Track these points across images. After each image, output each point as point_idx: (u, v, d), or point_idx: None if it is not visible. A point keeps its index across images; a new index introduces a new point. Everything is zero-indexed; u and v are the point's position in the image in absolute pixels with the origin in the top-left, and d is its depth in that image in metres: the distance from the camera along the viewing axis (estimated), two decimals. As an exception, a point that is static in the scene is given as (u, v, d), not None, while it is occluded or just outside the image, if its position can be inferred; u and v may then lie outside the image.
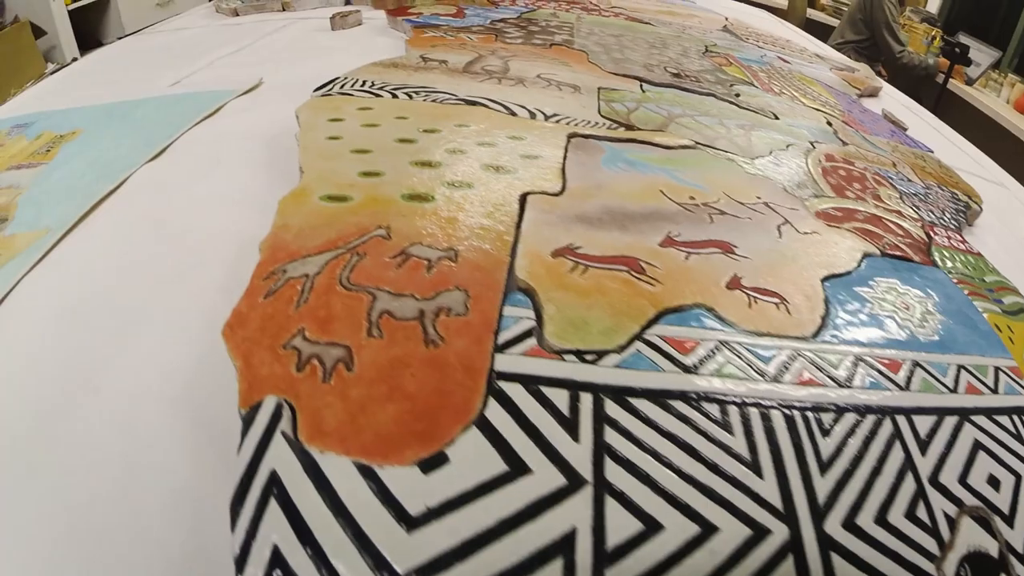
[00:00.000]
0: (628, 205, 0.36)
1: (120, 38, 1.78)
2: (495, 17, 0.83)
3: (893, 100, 0.95)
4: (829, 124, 0.62)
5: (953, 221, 0.47)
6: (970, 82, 2.32)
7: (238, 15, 1.07)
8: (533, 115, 0.46)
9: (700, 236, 0.34)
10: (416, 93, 0.48)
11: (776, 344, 0.28)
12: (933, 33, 2.57)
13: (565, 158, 0.39)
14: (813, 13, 3.08)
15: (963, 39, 2.38)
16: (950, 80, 2.32)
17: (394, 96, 0.48)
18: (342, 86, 0.51)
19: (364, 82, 0.51)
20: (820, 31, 2.27)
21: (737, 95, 0.64)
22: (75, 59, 1.73)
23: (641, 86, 0.59)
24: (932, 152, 0.65)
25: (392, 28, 0.86)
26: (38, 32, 1.70)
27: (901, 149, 0.61)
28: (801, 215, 0.39)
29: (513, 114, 0.45)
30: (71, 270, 0.39)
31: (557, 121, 0.45)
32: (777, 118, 0.59)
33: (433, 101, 0.47)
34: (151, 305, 0.32)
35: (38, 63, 1.66)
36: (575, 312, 0.27)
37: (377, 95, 0.48)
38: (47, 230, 0.44)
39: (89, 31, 1.88)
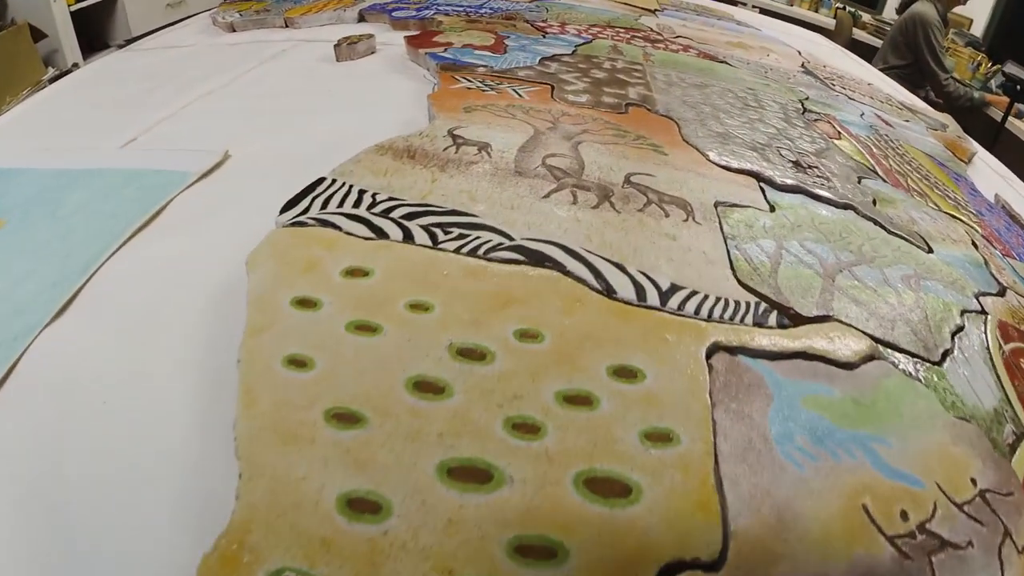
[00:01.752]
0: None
1: (128, 41, 1.58)
2: (544, 53, 0.62)
3: (984, 165, 0.75)
4: (975, 245, 0.46)
5: None
6: (1021, 115, 2.06)
7: (235, 30, 0.86)
8: (641, 291, 0.25)
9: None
10: (445, 231, 0.28)
11: None
12: (979, 58, 2.31)
13: (715, 429, 0.19)
14: (856, 32, 2.81)
15: (1011, 68, 2.12)
16: (997, 111, 2.06)
17: (408, 236, 0.27)
18: (324, 203, 0.30)
19: (360, 195, 0.30)
20: (864, 51, 2.03)
21: (873, 202, 0.44)
22: (75, 65, 1.52)
23: (764, 192, 0.39)
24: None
25: (412, 61, 0.65)
26: (38, 35, 1.48)
27: (1052, 286, 0.49)
28: (1015, 505, 0.27)
29: (610, 291, 0.25)
30: None
31: (680, 305, 0.25)
32: (931, 249, 0.42)
33: (473, 253, 0.26)
34: None
35: (37, 68, 1.45)
36: None
37: (381, 231, 0.28)
38: None
39: (95, 33, 1.68)
